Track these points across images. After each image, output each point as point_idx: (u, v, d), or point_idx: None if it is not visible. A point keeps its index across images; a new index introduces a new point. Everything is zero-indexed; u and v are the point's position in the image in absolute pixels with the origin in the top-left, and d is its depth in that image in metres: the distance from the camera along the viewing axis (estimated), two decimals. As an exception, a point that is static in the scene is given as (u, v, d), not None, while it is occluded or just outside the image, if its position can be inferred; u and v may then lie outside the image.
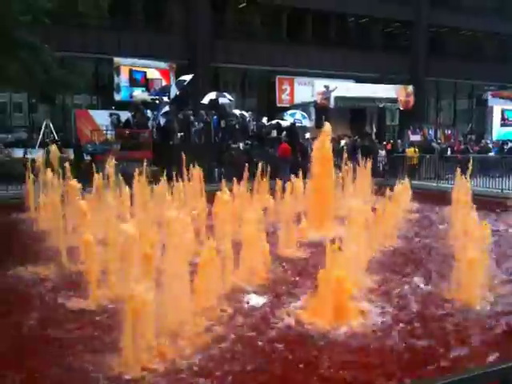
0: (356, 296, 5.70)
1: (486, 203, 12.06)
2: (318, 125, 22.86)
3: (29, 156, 17.05)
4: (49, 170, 10.81)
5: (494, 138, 32.89)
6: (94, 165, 12.56)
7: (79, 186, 8.95)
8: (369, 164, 15.71)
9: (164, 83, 26.45)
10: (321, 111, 27.76)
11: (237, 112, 22.91)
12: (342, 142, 23.23)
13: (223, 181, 11.38)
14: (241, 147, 20.31)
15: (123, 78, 26.90)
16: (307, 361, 4.54)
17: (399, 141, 26.07)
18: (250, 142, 21.02)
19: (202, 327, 5.04)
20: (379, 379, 4.24)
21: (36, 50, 15.66)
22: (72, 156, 18.12)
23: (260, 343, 4.88)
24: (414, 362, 4.57)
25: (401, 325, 5.30)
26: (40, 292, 6.41)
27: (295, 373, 4.35)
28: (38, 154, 13.56)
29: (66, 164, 10.85)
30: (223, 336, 4.94)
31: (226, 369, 4.32)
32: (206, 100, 22.40)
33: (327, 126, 10.55)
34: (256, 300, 6.05)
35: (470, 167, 10.75)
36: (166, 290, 4.72)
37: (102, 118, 22.51)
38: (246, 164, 13.51)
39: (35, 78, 15.74)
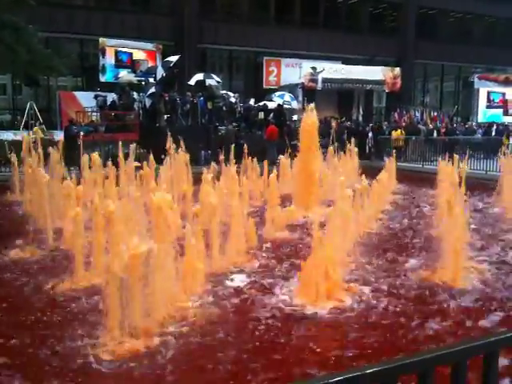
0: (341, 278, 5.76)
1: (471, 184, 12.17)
2: (305, 107, 22.84)
3: (10, 138, 16.90)
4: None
5: (480, 120, 33.19)
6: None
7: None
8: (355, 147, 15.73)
9: (150, 64, 26.20)
10: (308, 93, 27.72)
11: (222, 93, 22.85)
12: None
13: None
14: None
15: (109, 59, 26.58)
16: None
17: (385, 123, 26.21)
18: (237, 124, 20.99)
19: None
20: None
21: (19, 31, 15.37)
22: (57, 138, 17.96)
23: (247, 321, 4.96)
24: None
25: (384, 303, 5.40)
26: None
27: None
28: (20, 136, 13.34)
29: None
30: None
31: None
32: (192, 81, 22.28)
33: (311, 107, 10.55)
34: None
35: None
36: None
37: (87, 99, 22.33)
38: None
39: (19, 59, 15.48)
